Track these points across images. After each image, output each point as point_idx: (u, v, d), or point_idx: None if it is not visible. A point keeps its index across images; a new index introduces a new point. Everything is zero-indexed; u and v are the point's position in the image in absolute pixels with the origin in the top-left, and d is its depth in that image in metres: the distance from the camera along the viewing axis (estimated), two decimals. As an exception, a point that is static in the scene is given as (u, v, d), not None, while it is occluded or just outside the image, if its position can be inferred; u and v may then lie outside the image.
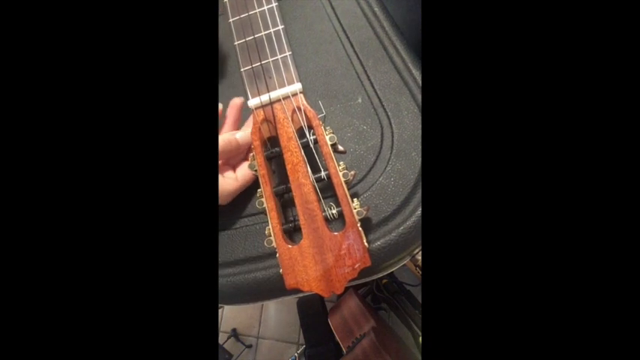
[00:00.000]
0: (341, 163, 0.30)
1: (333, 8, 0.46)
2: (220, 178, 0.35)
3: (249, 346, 1.38)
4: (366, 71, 0.40)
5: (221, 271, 0.36)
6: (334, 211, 0.30)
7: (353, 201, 0.29)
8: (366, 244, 0.28)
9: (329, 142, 0.31)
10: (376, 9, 0.44)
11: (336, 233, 0.29)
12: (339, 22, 0.45)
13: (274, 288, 0.34)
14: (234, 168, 0.37)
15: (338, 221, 0.31)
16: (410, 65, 0.39)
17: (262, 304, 1.42)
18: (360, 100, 0.39)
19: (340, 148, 0.31)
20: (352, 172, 0.30)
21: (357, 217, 0.29)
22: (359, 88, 0.40)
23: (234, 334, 1.39)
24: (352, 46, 0.42)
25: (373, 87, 0.39)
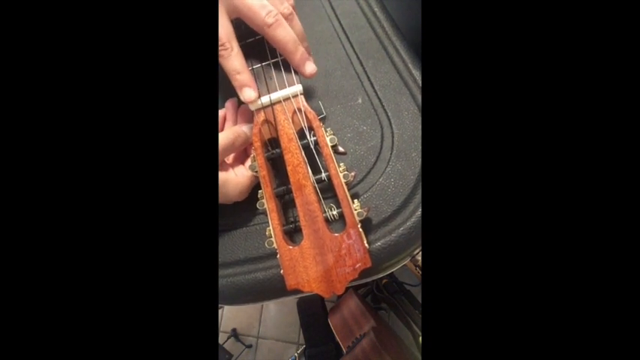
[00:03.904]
0: (341, 164, 0.30)
1: (333, 8, 0.46)
2: (233, 175, 0.35)
3: (249, 346, 1.38)
4: (366, 71, 0.40)
5: (221, 271, 0.36)
6: (335, 212, 0.30)
7: (353, 202, 0.29)
8: (366, 244, 0.28)
9: (329, 144, 0.31)
10: (376, 9, 0.44)
11: (336, 234, 0.29)
12: (339, 22, 0.45)
13: (274, 288, 0.34)
14: (244, 163, 0.37)
15: (338, 222, 0.31)
16: (410, 65, 0.39)
17: (262, 304, 1.42)
18: (360, 101, 0.39)
19: (340, 149, 0.31)
20: (352, 173, 0.30)
21: (357, 218, 0.29)
22: (359, 89, 0.40)
23: (234, 334, 1.39)
24: (352, 46, 0.42)
25: (373, 87, 0.39)
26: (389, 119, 0.37)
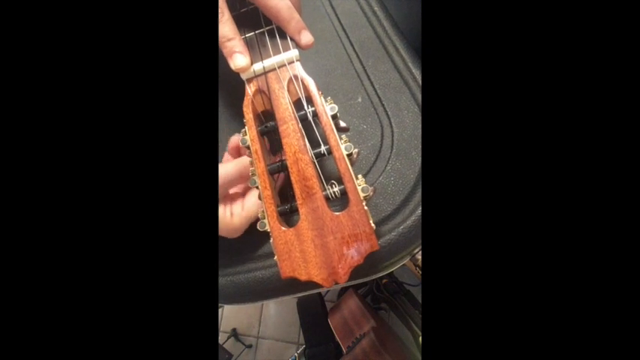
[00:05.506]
0: (343, 136, 0.27)
1: (332, 7, 0.46)
2: (229, 214, 0.33)
3: (249, 346, 1.38)
4: (365, 70, 0.40)
5: (221, 271, 0.36)
6: (336, 189, 0.26)
7: (357, 177, 0.26)
8: (372, 224, 0.25)
9: (329, 113, 0.28)
10: (376, 8, 0.44)
11: (337, 213, 0.26)
12: (339, 21, 0.45)
13: (275, 287, 0.34)
14: (244, 196, 0.35)
15: (341, 202, 0.28)
16: (410, 64, 0.39)
17: (262, 304, 1.42)
18: (360, 100, 0.39)
19: (342, 124, 0.28)
20: (356, 150, 0.27)
21: (362, 195, 0.25)
22: (359, 88, 0.40)
23: (234, 333, 1.39)
24: (352, 45, 0.42)
25: (373, 86, 0.39)
26: (389, 118, 0.37)
